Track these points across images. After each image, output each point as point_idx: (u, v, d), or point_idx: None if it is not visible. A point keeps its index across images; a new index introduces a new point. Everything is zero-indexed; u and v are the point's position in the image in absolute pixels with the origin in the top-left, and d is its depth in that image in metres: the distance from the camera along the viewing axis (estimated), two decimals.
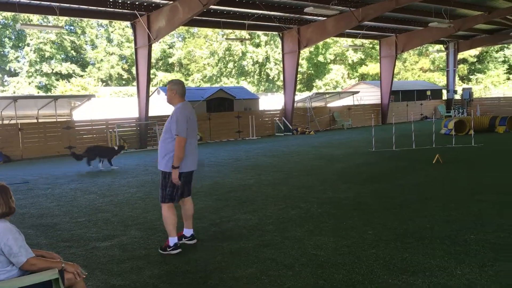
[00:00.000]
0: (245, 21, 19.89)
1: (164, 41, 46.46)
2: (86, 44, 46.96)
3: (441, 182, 8.58)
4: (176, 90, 5.11)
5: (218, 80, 47.98)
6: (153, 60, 44.88)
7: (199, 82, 47.71)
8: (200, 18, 18.89)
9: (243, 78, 48.86)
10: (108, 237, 5.78)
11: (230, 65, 47.76)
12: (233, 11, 18.76)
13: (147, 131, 18.44)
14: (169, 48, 48.53)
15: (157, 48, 45.71)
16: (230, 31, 40.10)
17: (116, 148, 13.11)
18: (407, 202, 7.00)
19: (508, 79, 45.79)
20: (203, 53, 48.01)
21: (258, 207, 7.04)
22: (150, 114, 18.70)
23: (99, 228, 6.22)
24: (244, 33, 39.12)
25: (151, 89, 25.66)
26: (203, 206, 7.24)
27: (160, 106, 20.47)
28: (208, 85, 45.69)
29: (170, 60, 48.52)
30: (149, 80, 18.11)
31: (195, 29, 46.44)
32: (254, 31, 34.33)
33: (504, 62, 45.96)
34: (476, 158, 11.59)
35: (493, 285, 3.85)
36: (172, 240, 5.05)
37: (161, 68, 48.68)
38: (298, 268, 4.41)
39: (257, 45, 47.29)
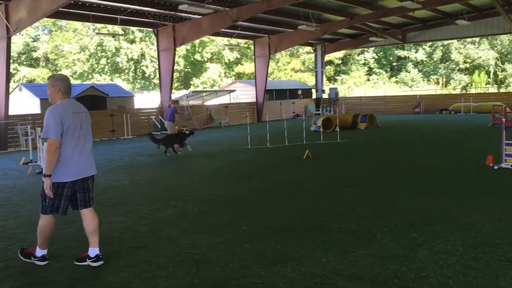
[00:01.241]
0: (117, 16, 19.13)
1: (27, 34, 42.77)
2: None
3: (311, 176, 9.10)
4: (59, 87, 4.49)
5: (90, 77, 45.49)
6: (14, 54, 41.06)
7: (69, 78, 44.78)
8: (67, 10, 17.75)
9: (117, 75, 46.95)
10: None
11: (103, 61, 45.58)
12: (104, 5, 17.92)
13: (7, 131, 16.78)
14: (33, 42, 44.76)
15: (18, 41, 41.90)
16: (102, 25, 38.09)
17: (187, 132, 13.71)
18: (280, 196, 7.30)
19: (368, 80, 50.24)
20: (72, 48, 45.14)
21: (132, 208, 6.81)
22: (11, 112, 17.06)
23: None
24: (117, 28, 37.63)
25: (12, 85, 23.48)
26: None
27: (23, 104, 18.80)
28: (78, 82, 43.09)
29: (35, 55, 44.79)
30: (8, 76, 16.47)
31: (62, 22, 43.46)
32: (127, 27, 33.11)
33: (364, 64, 50.36)
34: (342, 153, 12.51)
35: (354, 269, 4.17)
36: (40, 251, 4.59)
37: (24, 63, 44.70)
38: (172, 268, 4.35)
39: (132, 41, 45.78)
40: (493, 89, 41.76)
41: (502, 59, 46.39)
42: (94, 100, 21.66)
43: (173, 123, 13.83)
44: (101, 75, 45.81)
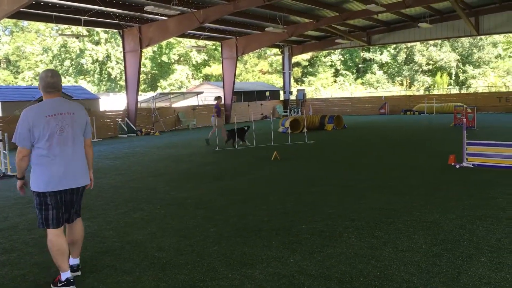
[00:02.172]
0: (81, 17, 18.74)
1: None
2: None
3: (279, 177, 9.15)
4: (39, 85, 4.01)
5: None
6: None
7: (31, 80, 43.62)
8: (29, 10, 17.31)
9: (82, 77, 46.03)
10: None
11: (67, 62, 44.64)
12: (67, 5, 17.53)
13: None
14: None
15: None
16: (66, 26, 37.34)
17: (246, 128, 15.17)
18: (248, 198, 7.31)
19: (335, 81, 50.93)
20: (35, 49, 44.00)
21: (97, 213, 6.68)
22: None
23: None
24: (81, 29, 36.87)
25: None
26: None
27: None
28: None
29: None
30: None
31: (24, 23, 42.30)
32: (92, 28, 32.51)
33: (331, 66, 51.04)
34: (309, 154, 12.63)
35: (321, 268, 4.22)
36: (63, 275, 3.99)
37: None
38: (139, 273, 4.29)
39: (97, 43, 44.99)
40: (454, 90, 43.02)
41: (463, 61, 47.85)
42: None
43: (219, 118, 15.48)
44: (65, 77, 44.80)
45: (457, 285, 3.76)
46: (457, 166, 9.35)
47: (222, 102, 16.11)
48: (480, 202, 6.39)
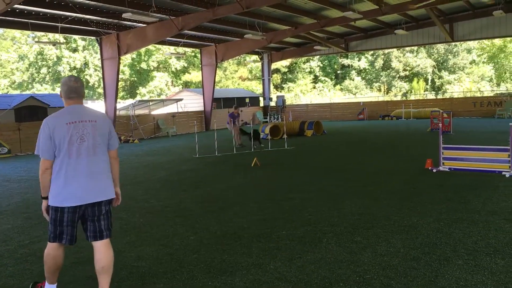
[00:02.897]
0: (58, 24, 18.52)
1: None
2: None
3: (259, 184, 9.15)
4: (61, 92, 3.79)
5: (30, 86, 43.77)
6: None
7: (7, 88, 42.88)
8: (5, 18, 17.05)
9: (59, 84, 45.28)
10: None
11: (44, 70, 43.98)
12: (43, 12, 17.32)
13: None
14: None
15: None
16: (42, 33, 36.90)
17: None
18: (228, 205, 7.29)
19: (314, 87, 51.32)
20: (11, 57, 43.28)
21: None
22: None
23: None
24: (58, 37, 36.41)
25: None
26: (9, 227, 6.49)
27: None
28: (17, 92, 41.31)
29: None
30: None
31: None
32: (69, 35, 32.14)
33: (310, 72, 51.43)
34: (289, 160, 12.68)
35: (301, 274, 4.23)
36: (48, 286, 3.89)
37: None
38: (118, 283, 4.23)
39: (74, 50, 44.47)
40: (431, 96, 43.75)
41: (439, 66, 48.74)
42: (34, 110, 20.84)
43: (232, 126, 16.38)
44: (42, 85, 44.15)
45: None
46: (434, 170, 9.50)
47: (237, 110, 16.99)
48: (457, 206, 6.50)
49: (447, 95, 42.16)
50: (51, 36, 38.73)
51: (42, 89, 43.30)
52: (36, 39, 38.45)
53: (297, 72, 51.16)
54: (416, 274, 4.12)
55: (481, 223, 5.60)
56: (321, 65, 51.15)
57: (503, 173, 8.71)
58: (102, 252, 3.82)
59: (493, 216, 5.88)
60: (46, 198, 3.67)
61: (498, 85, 46.27)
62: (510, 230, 5.25)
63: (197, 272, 4.41)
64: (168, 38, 22.42)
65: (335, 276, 4.14)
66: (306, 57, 44.75)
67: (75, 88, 3.73)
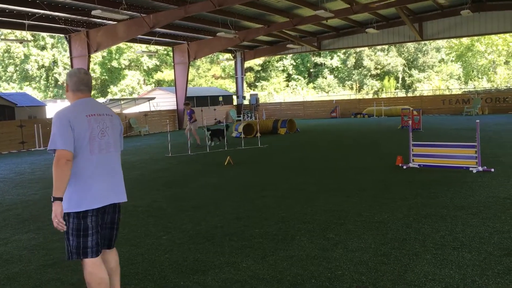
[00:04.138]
0: (25, 21, 18.06)
1: None
2: None
3: (232, 182, 9.13)
4: (67, 84, 3.39)
5: None
6: None
7: None
8: None
9: (27, 83, 44.31)
10: None
11: (11, 68, 42.86)
12: (9, 9, 16.86)
13: None
14: None
15: None
16: (9, 31, 36.06)
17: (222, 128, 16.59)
18: (201, 204, 7.25)
19: (287, 86, 51.55)
20: None
21: (43, 224, 6.42)
22: None
23: None
24: (25, 34, 35.54)
25: None
26: None
27: None
28: None
29: None
30: None
31: None
32: (37, 32, 31.41)
33: (283, 71, 51.64)
34: (262, 158, 12.70)
35: (273, 272, 4.24)
36: None
37: None
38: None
39: (43, 48, 43.48)
40: (401, 94, 44.53)
41: (409, 65, 49.63)
42: (1, 110, 20.29)
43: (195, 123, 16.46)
44: (9, 84, 43.02)
45: (404, 282, 3.88)
46: (404, 167, 9.67)
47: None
48: (426, 201, 6.63)
49: (417, 93, 42.97)
50: (18, 33, 37.77)
51: (9, 88, 42.18)
52: (3, 37, 37.43)
53: (270, 71, 51.29)
54: (386, 269, 4.18)
55: (449, 218, 5.72)
56: (294, 63, 51.42)
57: (470, 169, 8.93)
58: (111, 254, 3.54)
59: (461, 211, 6.02)
60: (60, 199, 3.11)
61: (466, 83, 47.44)
62: (476, 225, 5.38)
63: (169, 272, 4.37)
64: (139, 36, 22.14)
65: (307, 273, 4.17)
66: (279, 56, 44.87)
67: (86, 80, 3.39)
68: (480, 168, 8.82)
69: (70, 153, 3.13)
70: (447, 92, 39.36)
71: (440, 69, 48.80)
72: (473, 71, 49.07)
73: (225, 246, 5.06)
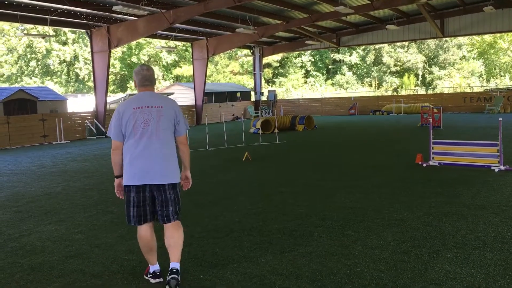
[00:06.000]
0: (47, 16, 18.32)
1: None
2: None
3: (250, 178, 9.16)
4: (135, 80, 4.06)
5: (19, 79, 43.34)
6: None
7: None
8: None
9: (48, 78, 45.00)
10: None
11: (33, 63, 43.56)
12: (32, 4, 17.10)
13: None
14: None
15: None
16: (31, 26, 36.55)
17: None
18: (218, 199, 7.29)
19: (306, 82, 51.36)
20: None
21: (65, 216, 6.54)
22: None
23: None
24: (48, 29, 36.06)
25: None
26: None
27: None
28: (6, 85, 40.88)
29: None
30: None
31: None
32: (59, 28, 31.82)
33: (301, 67, 51.45)
34: (280, 154, 12.69)
35: (292, 268, 4.25)
36: (151, 267, 4.14)
37: None
38: (108, 276, 4.22)
39: (64, 43, 44.08)
40: (421, 91, 44.00)
41: (429, 62, 49.00)
42: (23, 104, 20.66)
43: None
44: (31, 78, 43.74)
45: (424, 280, 3.85)
46: (424, 165, 9.57)
47: None
48: (446, 200, 6.56)
49: (437, 91, 42.41)
50: (41, 28, 38.35)
51: (31, 82, 42.89)
52: (25, 32, 38.04)
53: (289, 67, 51.14)
54: (406, 267, 4.15)
55: (470, 217, 5.65)
56: (313, 60, 51.17)
57: (492, 167, 8.80)
58: (169, 232, 4.09)
59: (482, 210, 5.94)
60: (117, 177, 4.01)
61: (488, 80, 46.64)
62: (498, 224, 5.31)
63: (188, 266, 4.41)
64: (159, 31, 22.28)
65: (326, 269, 4.16)
66: (298, 52, 44.73)
67: (148, 76, 4.02)
68: (502, 167, 8.68)
69: (118, 143, 3.92)
70: (468, 90, 38.74)
71: (461, 66, 48.05)
72: (495, 69, 48.21)
73: (244, 241, 5.09)
